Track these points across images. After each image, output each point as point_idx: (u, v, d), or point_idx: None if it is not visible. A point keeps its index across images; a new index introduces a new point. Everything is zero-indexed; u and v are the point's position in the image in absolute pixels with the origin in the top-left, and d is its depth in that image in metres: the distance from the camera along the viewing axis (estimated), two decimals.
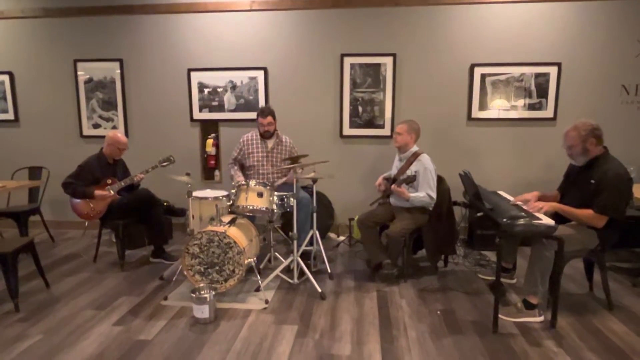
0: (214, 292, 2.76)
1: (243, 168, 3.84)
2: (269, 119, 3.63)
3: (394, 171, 3.60)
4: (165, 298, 3.03)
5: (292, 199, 3.17)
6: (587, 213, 2.63)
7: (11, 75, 4.73)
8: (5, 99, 4.77)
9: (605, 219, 2.60)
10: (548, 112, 4.25)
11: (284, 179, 3.70)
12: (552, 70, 4.17)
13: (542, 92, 4.22)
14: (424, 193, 3.27)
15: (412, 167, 3.36)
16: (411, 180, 3.24)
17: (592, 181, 2.63)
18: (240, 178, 3.68)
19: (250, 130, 3.84)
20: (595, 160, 2.68)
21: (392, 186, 3.31)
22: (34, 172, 4.51)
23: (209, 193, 3.42)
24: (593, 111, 4.19)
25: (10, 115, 4.80)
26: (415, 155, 3.38)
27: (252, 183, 3.16)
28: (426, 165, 3.30)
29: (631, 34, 4.07)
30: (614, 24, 4.07)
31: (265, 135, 3.70)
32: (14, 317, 2.80)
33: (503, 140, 4.35)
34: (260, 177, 3.70)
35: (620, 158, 2.71)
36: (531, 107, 4.26)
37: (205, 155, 4.67)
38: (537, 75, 4.20)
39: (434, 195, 3.31)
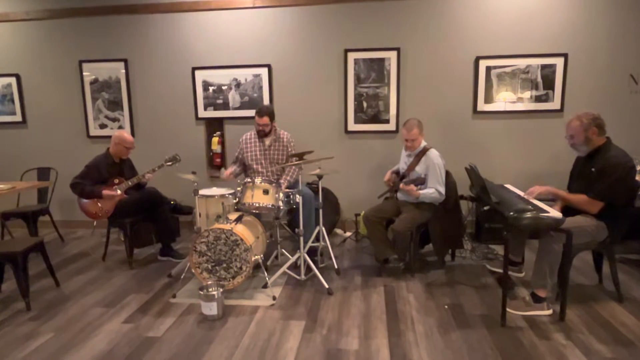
0: (221, 289, 2.78)
1: (247, 168, 3.85)
2: (265, 119, 3.59)
3: (402, 166, 3.58)
4: (174, 295, 3.05)
5: (297, 196, 3.18)
6: (581, 198, 2.64)
7: (18, 77, 4.77)
8: (12, 101, 4.82)
9: (600, 204, 2.60)
10: (555, 104, 4.20)
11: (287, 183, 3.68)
12: (559, 61, 4.12)
13: (549, 83, 4.17)
14: (433, 189, 3.26)
15: (420, 163, 3.35)
16: (420, 183, 3.22)
17: (593, 169, 2.64)
18: (227, 172, 3.69)
19: (252, 129, 3.84)
20: (598, 150, 2.67)
21: (401, 185, 3.30)
22: (43, 173, 4.56)
23: (215, 191, 3.43)
24: (601, 102, 4.14)
25: (18, 117, 4.85)
26: (424, 151, 3.36)
27: (257, 180, 3.16)
28: (435, 160, 3.28)
29: (639, 22, 4.01)
30: (620, 12, 4.01)
31: (261, 134, 3.70)
32: (25, 315, 2.84)
33: (509, 133, 4.32)
34: (260, 175, 3.70)
35: (629, 148, 2.68)
36: (537, 99, 4.22)
37: (211, 154, 4.69)
38: (543, 67, 4.15)
39: (443, 190, 3.29)
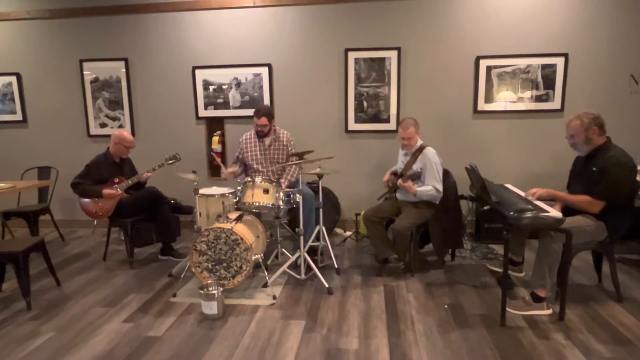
0: (222, 289, 2.78)
1: (247, 168, 3.85)
2: (263, 120, 3.59)
3: (399, 165, 3.59)
4: (174, 295, 3.06)
5: (297, 195, 3.18)
6: (582, 198, 2.65)
7: (18, 76, 4.77)
8: (13, 99, 4.82)
9: (602, 204, 2.60)
10: (555, 104, 4.20)
11: (287, 182, 3.68)
12: (559, 61, 4.12)
13: (549, 83, 4.17)
14: (431, 186, 3.27)
15: (417, 161, 3.36)
16: (416, 177, 3.23)
17: (594, 169, 2.63)
18: (228, 170, 3.69)
19: (252, 129, 3.84)
20: (598, 150, 2.67)
21: (398, 182, 3.30)
22: (43, 172, 4.56)
23: (215, 190, 3.44)
24: (601, 102, 4.14)
25: (18, 116, 4.85)
26: (421, 149, 3.37)
27: (258, 180, 3.16)
28: (431, 158, 3.30)
29: (639, 22, 4.01)
30: (620, 12, 4.01)
31: (260, 134, 3.70)
32: (26, 315, 2.84)
33: (510, 133, 4.32)
34: (260, 175, 3.70)
35: (629, 149, 2.68)
36: (538, 98, 4.22)
37: (212, 153, 4.69)
38: (544, 67, 4.15)
39: (441, 187, 3.30)
